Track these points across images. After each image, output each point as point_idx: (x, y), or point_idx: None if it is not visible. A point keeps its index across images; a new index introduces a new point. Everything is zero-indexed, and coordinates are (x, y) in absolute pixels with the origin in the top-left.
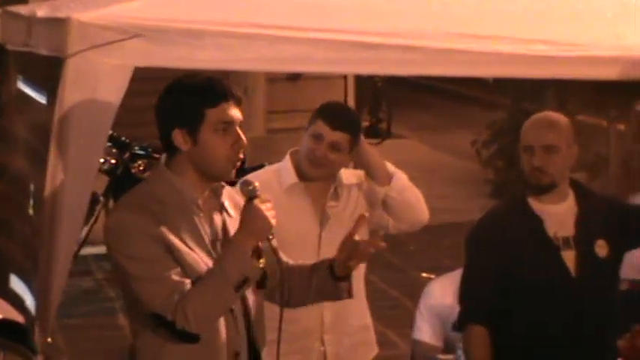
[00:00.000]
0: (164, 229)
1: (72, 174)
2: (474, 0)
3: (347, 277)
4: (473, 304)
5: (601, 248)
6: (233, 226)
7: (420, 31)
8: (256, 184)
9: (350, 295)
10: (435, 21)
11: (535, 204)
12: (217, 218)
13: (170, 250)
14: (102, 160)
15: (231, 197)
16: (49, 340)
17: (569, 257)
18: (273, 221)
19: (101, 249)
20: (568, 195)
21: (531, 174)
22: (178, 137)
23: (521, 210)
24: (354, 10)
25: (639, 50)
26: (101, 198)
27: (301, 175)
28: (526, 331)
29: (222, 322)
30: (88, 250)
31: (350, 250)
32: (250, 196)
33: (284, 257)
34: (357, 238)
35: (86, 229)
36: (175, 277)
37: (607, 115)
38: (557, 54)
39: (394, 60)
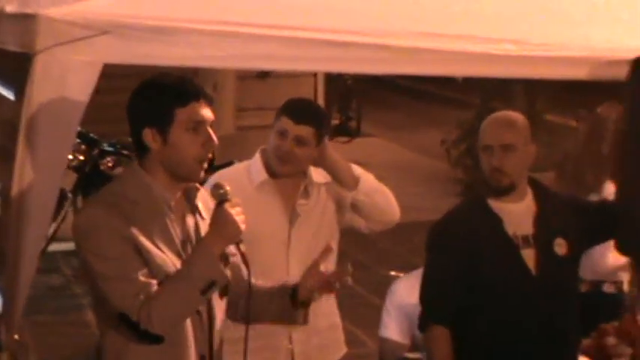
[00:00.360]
0: (134, 229)
1: (40, 170)
2: (443, 0)
3: (307, 304)
4: (433, 305)
5: (560, 247)
6: (205, 229)
7: (389, 30)
8: (227, 187)
9: (305, 321)
10: (405, 20)
11: (494, 203)
12: (190, 220)
13: (139, 250)
14: (70, 157)
15: (205, 200)
16: (16, 336)
17: (528, 256)
18: (242, 226)
19: (69, 245)
20: (526, 194)
21: (491, 175)
22: (149, 136)
23: (480, 209)
24: (324, 8)
25: (608, 51)
26: (69, 195)
27: (271, 172)
28: (487, 330)
29: (189, 323)
30: (55, 247)
31: (315, 280)
32: (220, 199)
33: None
34: (322, 268)
35: (54, 225)
36: (142, 278)
37: (576, 114)
38: (526, 54)
39: (364, 58)
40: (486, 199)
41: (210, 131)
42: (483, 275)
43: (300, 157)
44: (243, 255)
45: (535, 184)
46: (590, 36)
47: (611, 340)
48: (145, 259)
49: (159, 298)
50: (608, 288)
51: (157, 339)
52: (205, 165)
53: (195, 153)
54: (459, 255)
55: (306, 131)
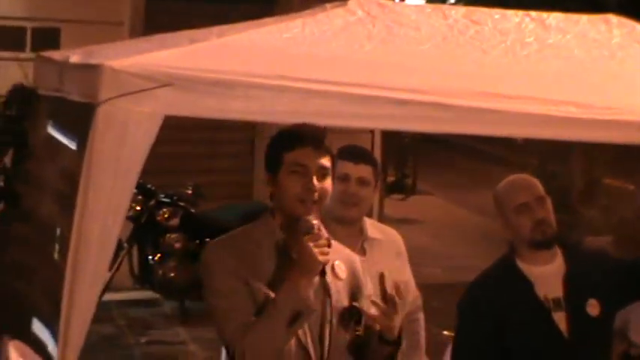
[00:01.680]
0: (247, 269)
1: (99, 220)
2: (505, 60)
3: (398, 341)
4: None
5: (593, 307)
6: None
7: (450, 89)
8: (314, 221)
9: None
10: (466, 79)
11: (524, 266)
12: None
13: (250, 289)
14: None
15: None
16: None
17: (560, 319)
18: (322, 258)
19: (123, 295)
20: (557, 254)
21: (535, 228)
22: (268, 181)
23: (510, 273)
24: (385, 65)
25: None
26: (125, 244)
27: (329, 229)
28: None
29: None
30: (110, 296)
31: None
32: (303, 232)
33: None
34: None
35: (109, 274)
36: (244, 316)
37: (634, 179)
38: (588, 116)
39: (424, 117)
40: (515, 261)
41: (313, 176)
42: (515, 341)
43: (364, 198)
44: (326, 287)
45: (564, 244)
46: None
47: None
48: (255, 298)
49: (249, 334)
50: (634, 352)
51: None
52: (309, 204)
53: (296, 192)
54: (489, 320)
55: (366, 171)
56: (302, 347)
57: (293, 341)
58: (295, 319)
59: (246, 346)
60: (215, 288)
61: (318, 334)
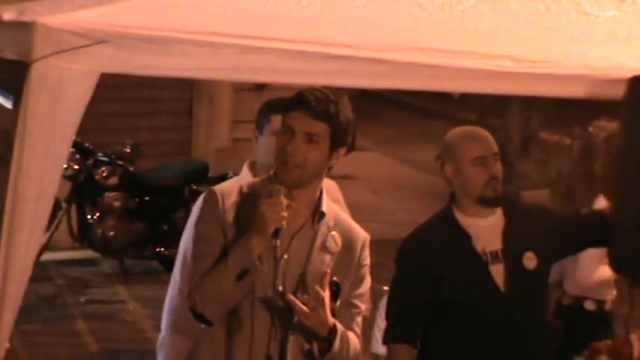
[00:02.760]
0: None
1: (35, 179)
2: (441, 15)
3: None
4: (397, 323)
5: (530, 260)
6: None
7: (386, 44)
8: (280, 187)
9: None
10: (403, 35)
11: (463, 219)
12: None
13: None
14: (65, 166)
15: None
16: (7, 345)
17: (498, 272)
18: (273, 220)
19: (61, 255)
20: (496, 208)
21: (487, 185)
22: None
23: (449, 225)
24: (320, 21)
25: (604, 69)
26: (63, 204)
27: None
28: (456, 349)
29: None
30: (48, 256)
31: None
32: (265, 194)
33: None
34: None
35: (47, 234)
36: (209, 264)
37: (571, 132)
38: (523, 70)
39: (360, 72)
40: (454, 214)
41: (299, 140)
42: (452, 292)
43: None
44: (274, 248)
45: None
46: (588, 54)
47: (603, 359)
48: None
49: (201, 281)
50: (589, 305)
51: (206, 321)
52: (289, 167)
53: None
54: (425, 273)
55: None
56: (256, 303)
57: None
58: (243, 274)
59: (197, 288)
60: (199, 231)
61: (274, 298)
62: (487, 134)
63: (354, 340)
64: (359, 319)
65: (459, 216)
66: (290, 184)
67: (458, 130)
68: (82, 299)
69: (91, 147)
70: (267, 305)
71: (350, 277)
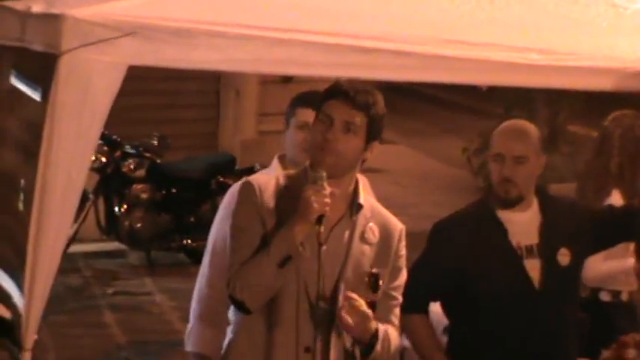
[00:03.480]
0: (270, 211)
1: (63, 171)
2: (468, 8)
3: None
4: (415, 295)
5: (563, 256)
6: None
7: (414, 37)
8: (323, 174)
9: None
10: (430, 27)
11: (500, 211)
12: None
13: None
14: (93, 158)
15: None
16: (35, 336)
17: (532, 267)
18: (318, 207)
19: (89, 246)
20: (532, 203)
21: (499, 185)
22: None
23: (486, 216)
24: (348, 13)
25: (632, 62)
26: (91, 196)
27: None
28: (485, 341)
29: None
30: (76, 248)
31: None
32: (310, 181)
33: None
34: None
35: (75, 226)
36: (249, 253)
37: (599, 125)
38: (551, 63)
39: (387, 65)
40: (494, 206)
41: (337, 129)
42: (484, 285)
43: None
44: (317, 235)
45: (541, 193)
46: (616, 46)
47: (631, 352)
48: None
49: (243, 269)
50: (604, 297)
51: (245, 309)
52: (325, 155)
53: (317, 141)
54: (453, 258)
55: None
56: (300, 292)
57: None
58: (285, 261)
59: (237, 276)
60: (236, 223)
61: (318, 287)
62: (522, 133)
63: (394, 335)
64: (397, 310)
65: (497, 208)
66: (327, 172)
67: (503, 124)
68: (110, 291)
69: (119, 139)
70: (312, 310)
71: (388, 268)
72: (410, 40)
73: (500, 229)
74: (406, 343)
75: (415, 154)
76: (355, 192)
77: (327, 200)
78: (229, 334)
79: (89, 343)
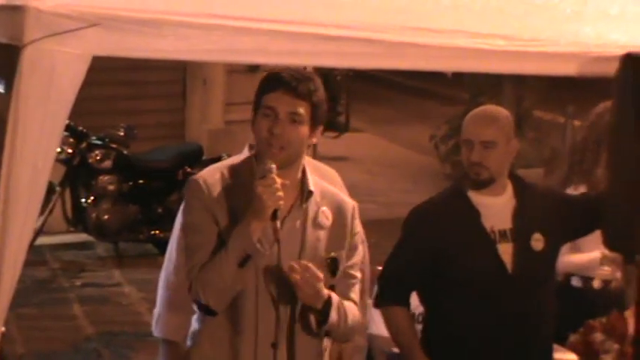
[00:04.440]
0: (221, 207)
1: (28, 163)
2: None
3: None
4: (390, 285)
5: (537, 242)
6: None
7: (379, 25)
8: (272, 165)
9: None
10: (395, 14)
11: (473, 196)
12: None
13: (219, 228)
14: (58, 150)
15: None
16: (3, 329)
17: (505, 251)
18: (270, 202)
19: (56, 239)
20: (507, 188)
21: (470, 168)
22: (252, 122)
23: (459, 201)
24: (313, 2)
25: (596, 47)
26: (57, 188)
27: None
28: (459, 324)
29: (253, 310)
30: (43, 240)
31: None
32: (259, 175)
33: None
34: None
35: (42, 218)
36: (207, 252)
37: (564, 111)
38: (516, 49)
39: (353, 53)
40: (466, 191)
41: (283, 121)
42: (457, 269)
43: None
44: (275, 231)
45: (516, 179)
46: (580, 32)
47: (598, 337)
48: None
49: (202, 271)
50: (575, 282)
51: (210, 311)
52: (274, 149)
53: (264, 136)
54: (427, 243)
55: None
56: (260, 288)
57: (252, 283)
58: (245, 260)
59: (198, 280)
60: (187, 222)
61: (277, 279)
62: (492, 119)
63: (353, 309)
64: (356, 288)
65: (470, 193)
66: (277, 164)
67: (474, 110)
68: (78, 283)
69: (85, 130)
70: (274, 305)
71: (345, 249)
72: (376, 28)
73: (473, 213)
74: (375, 331)
75: (383, 142)
76: (304, 179)
77: (280, 194)
78: (194, 323)
79: (58, 335)
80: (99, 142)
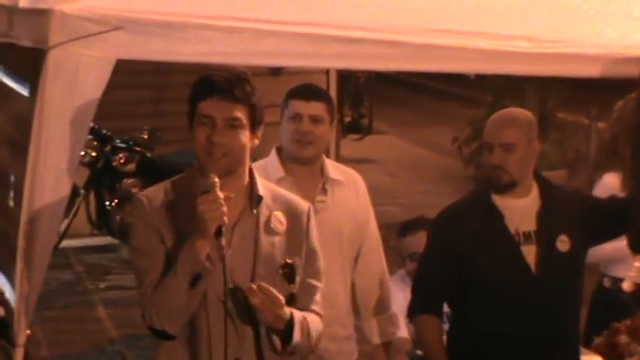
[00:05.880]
0: (166, 225)
1: (52, 166)
2: None
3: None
4: (425, 294)
5: (563, 243)
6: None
7: (401, 26)
8: (214, 179)
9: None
10: (417, 16)
11: (497, 198)
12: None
13: (166, 248)
14: (82, 153)
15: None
16: (28, 332)
17: (529, 253)
18: (211, 219)
19: (81, 242)
20: (531, 189)
21: (491, 172)
22: (190, 132)
23: (483, 204)
24: (335, 3)
25: (620, 48)
26: (82, 191)
27: (288, 169)
28: (484, 326)
29: (213, 326)
30: (67, 243)
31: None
32: (200, 190)
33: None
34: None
35: (66, 221)
36: (157, 275)
37: (588, 112)
38: (539, 51)
39: (375, 55)
40: (490, 193)
41: (220, 129)
42: (482, 271)
43: (318, 136)
44: (219, 248)
45: (542, 181)
46: (603, 33)
47: (623, 339)
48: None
49: (154, 294)
50: (607, 283)
51: (166, 336)
52: (215, 158)
53: (202, 145)
54: (455, 248)
55: (318, 108)
56: (214, 300)
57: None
58: (196, 280)
59: (151, 305)
60: (134, 245)
61: (235, 298)
62: (512, 122)
63: (316, 322)
64: (317, 297)
65: (494, 195)
66: (219, 174)
67: (496, 113)
68: (102, 285)
69: (109, 133)
70: (225, 305)
71: (301, 254)
72: (397, 30)
73: (497, 215)
74: (400, 334)
75: (405, 144)
76: (252, 183)
77: (223, 209)
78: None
79: (82, 338)
80: (123, 145)
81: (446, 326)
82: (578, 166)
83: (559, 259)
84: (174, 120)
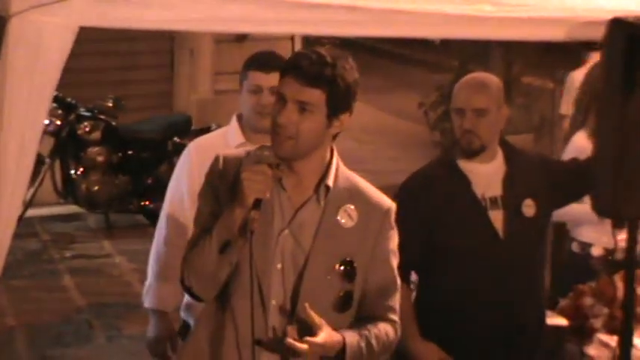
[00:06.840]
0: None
1: (16, 135)
2: None
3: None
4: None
5: (528, 208)
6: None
7: None
8: (267, 153)
9: None
10: None
11: (463, 164)
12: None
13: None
14: (47, 122)
15: None
16: None
17: (496, 217)
18: (253, 191)
19: (46, 210)
20: (497, 155)
21: (462, 136)
22: None
23: (449, 169)
24: None
25: (584, 11)
26: (47, 159)
27: (247, 136)
28: (451, 291)
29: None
30: (33, 212)
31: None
32: (252, 161)
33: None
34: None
35: (32, 190)
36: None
37: (553, 76)
38: (503, 15)
39: (339, 20)
40: (456, 159)
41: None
42: (449, 236)
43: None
44: (251, 220)
45: (506, 146)
46: None
47: (587, 301)
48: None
49: (190, 251)
50: (575, 248)
51: (196, 297)
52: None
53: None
54: (423, 215)
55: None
56: (256, 284)
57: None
58: (225, 247)
59: (185, 261)
60: (200, 191)
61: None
62: (483, 86)
63: (382, 336)
64: (394, 304)
65: (460, 161)
66: (283, 156)
67: (464, 77)
68: (68, 254)
69: (73, 102)
70: (266, 345)
71: (367, 253)
72: None
73: (464, 181)
74: None
75: (371, 110)
76: (326, 172)
77: (267, 183)
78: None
79: (49, 307)
80: (87, 114)
81: (412, 294)
82: (543, 131)
83: (525, 224)
84: (138, 88)
